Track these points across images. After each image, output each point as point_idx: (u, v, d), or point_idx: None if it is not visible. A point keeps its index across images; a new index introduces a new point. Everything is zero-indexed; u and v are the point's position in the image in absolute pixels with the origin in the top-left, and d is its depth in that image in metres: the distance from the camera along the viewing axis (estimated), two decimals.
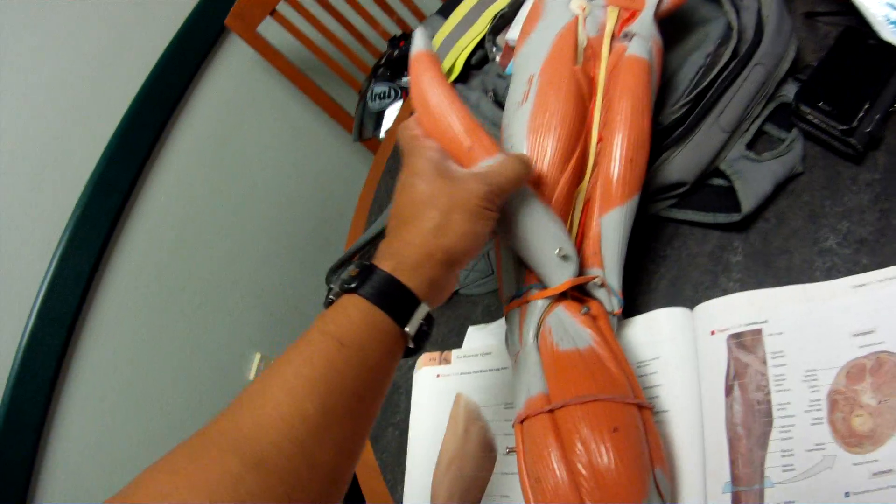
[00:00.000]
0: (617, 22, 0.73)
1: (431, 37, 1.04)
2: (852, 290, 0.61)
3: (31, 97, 1.33)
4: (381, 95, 1.53)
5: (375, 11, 1.74)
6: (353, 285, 0.51)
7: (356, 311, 0.50)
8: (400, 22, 1.80)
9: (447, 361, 0.83)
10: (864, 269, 0.62)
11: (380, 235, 1.05)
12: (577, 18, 0.72)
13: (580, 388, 0.56)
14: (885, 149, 0.69)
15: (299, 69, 1.67)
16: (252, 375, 1.68)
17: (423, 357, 0.85)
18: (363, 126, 1.56)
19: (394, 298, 0.52)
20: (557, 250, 0.61)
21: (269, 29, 1.61)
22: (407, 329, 0.52)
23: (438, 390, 0.81)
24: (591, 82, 0.69)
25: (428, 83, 0.63)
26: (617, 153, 0.65)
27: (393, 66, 1.56)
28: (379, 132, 1.52)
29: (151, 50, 1.52)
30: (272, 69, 1.66)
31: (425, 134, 0.61)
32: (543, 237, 0.61)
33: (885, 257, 0.62)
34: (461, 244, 0.55)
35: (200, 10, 1.60)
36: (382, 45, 1.75)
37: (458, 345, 0.85)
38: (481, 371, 0.79)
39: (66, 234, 1.34)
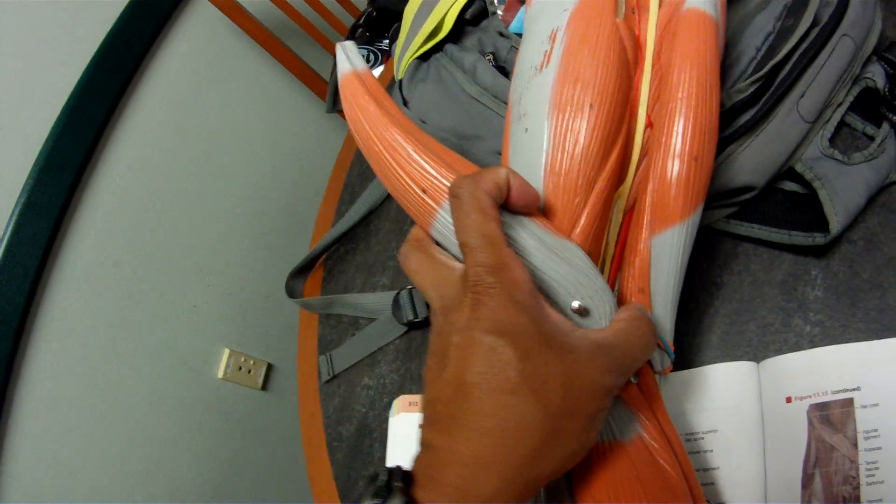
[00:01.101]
0: None
1: None
2: None
3: None
4: None
5: None
6: None
7: None
8: None
9: None
10: None
11: (349, 232, 0.89)
12: None
13: (621, 495, 0.39)
14: None
15: (270, 31, 1.55)
16: (221, 373, 1.58)
17: (402, 401, 0.70)
18: (338, 95, 1.39)
19: None
20: (575, 304, 0.42)
21: None
22: None
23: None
24: (637, 43, 0.50)
25: (361, 114, 0.50)
26: (678, 147, 0.46)
27: (372, 26, 1.40)
28: None
29: (107, 10, 1.41)
30: (240, 32, 1.55)
31: (500, 262, 0.38)
32: (552, 287, 0.42)
33: None
34: (562, 469, 0.37)
35: None
36: (362, 4, 1.62)
37: None
38: None
39: (11, 220, 1.24)
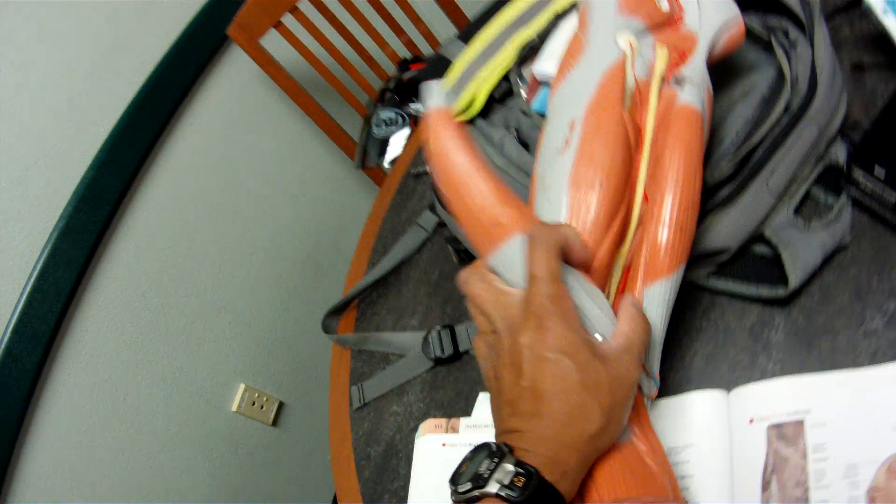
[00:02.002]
0: (667, 64, 0.67)
1: (451, 60, 1.00)
2: None
3: (21, 97, 1.30)
4: (388, 122, 1.50)
5: (385, 31, 1.72)
6: (519, 495, 0.47)
7: None
8: (409, 44, 1.78)
9: (454, 430, 0.78)
10: None
11: (381, 280, 1.02)
12: (625, 56, 0.66)
13: (618, 489, 0.51)
14: None
15: (301, 86, 1.64)
16: (235, 407, 1.66)
17: (428, 423, 0.81)
18: (367, 153, 1.53)
19: None
20: (598, 336, 0.55)
21: (272, 42, 1.58)
22: None
23: (443, 459, 0.77)
24: (638, 131, 0.63)
25: (444, 147, 0.59)
26: (667, 217, 0.59)
27: (401, 90, 1.52)
28: (383, 160, 1.48)
29: (149, 57, 1.50)
30: (273, 84, 1.63)
31: (559, 293, 0.52)
32: (582, 318, 0.55)
33: None
34: (612, 441, 0.53)
35: (202, 17, 1.58)
36: (390, 68, 1.72)
37: (466, 410, 0.81)
38: None
39: (47, 247, 1.31)
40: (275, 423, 1.76)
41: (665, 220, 0.60)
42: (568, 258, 0.55)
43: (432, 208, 1.05)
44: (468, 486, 0.48)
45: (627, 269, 0.62)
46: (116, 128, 1.42)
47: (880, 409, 0.57)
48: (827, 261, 0.68)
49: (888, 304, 0.64)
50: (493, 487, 0.47)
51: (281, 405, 1.77)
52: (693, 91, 0.64)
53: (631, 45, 0.66)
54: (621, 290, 0.62)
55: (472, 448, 0.51)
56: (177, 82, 1.54)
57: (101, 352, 1.41)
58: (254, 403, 1.70)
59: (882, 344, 0.62)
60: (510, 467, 0.47)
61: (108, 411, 1.43)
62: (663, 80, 0.66)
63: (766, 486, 0.58)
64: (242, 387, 1.69)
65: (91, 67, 1.41)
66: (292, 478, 1.81)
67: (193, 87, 1.59)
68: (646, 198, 0.62)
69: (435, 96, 0.61)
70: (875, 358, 0.61)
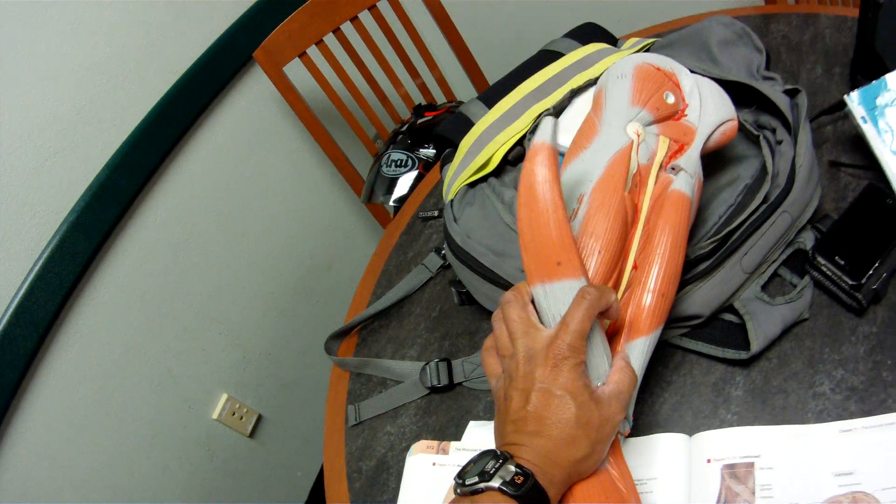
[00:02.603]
0: (667, 153, 0.77)
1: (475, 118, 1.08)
2: (839, 434, 0.70)
3: (49, 89, 1.33)
4: (398, 163, 1.55)
5: (402, 73, 1.80)
6: (516, 490, 0.57)
7: None
8: (423, 87, 1.86)
9: (445, 452, 0.87)
10: (852, 415, 0.71)
11: (384, 311, 1.11)
12: (632, 143, 0.75)
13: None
14: (885, 304, 0.78)
15: (317, 116, 1.71)
16: (216, 414, 1.69)
17: (420, 444, 0.89)
18: (374, 190, 1.58)
19: None
20: (599, 384, 0.65)
21: (294, 70, 1.65)
22: None
23: (433, 478, 0.85)
24: (635, 209, 0.74)
25: (543, 178, 0.67)
26: (651, 285, 0.70)
27: (414, 134, 1.58)
28: (388, 199, 1.54)
29: (176, 66, 1.56)
30: (290, 111, 1.69)
31: (579, 346, 0.63)
32: (590, 368, 0.65)
33: (871, 406, 0.71)
34: (592, 468, 0.63)
35: (231, 35, 1.64)
36: (402, 109, 1.79)
37: (456, 436, 0.89)
38: None
39: (55, 237, 1.33)
40: (252, 434, 1.80)
41: (650, 287, 0.71)
42: (605, 317, 0.66)
43: (438, 251, 1.14)
44: (475, 479, 0.58)
45: (613, 324, 0.72)
46: (135, 131, 1.47)
47: (822, 460, 0.68)
48: (786, 331, 0.80)
49: (836, 372, 0.75)
50: (496, 482, 0.57)
51: (260, 418, 1.82)
52: (686, 179, 0.75)
53: (638, 133, 0.76)
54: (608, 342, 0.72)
55: (476, 453, 0.62)
56: (199, 94, 1.60)
57: (94, 345, 1.45)
58: (234, 413, 1.74)
59: (828, 405, 0.72)
60: (512, 468, 0.58)
61: (94, 404, 1.46)
62: (661, 167, 0.77)
63: None
64: (225, 396, 1.72)
65: (118, 69, 1.45)
66: (264, 489, 1.85)
67: (214, 102, 1.64)
68: (635, 266, 0.73)
69: (548, 130, 0.69)
70: (821, 417, 0.72)
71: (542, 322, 0.66)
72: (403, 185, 1.54)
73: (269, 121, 1.80)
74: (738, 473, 0.70)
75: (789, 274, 0.84)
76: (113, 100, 1.45)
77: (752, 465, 0.70)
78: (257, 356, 1.82)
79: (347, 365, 1.09)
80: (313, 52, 1.66)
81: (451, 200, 1.02)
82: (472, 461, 0.61)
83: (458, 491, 0.60)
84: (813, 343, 0.78)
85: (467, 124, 1.08)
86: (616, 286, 0.72)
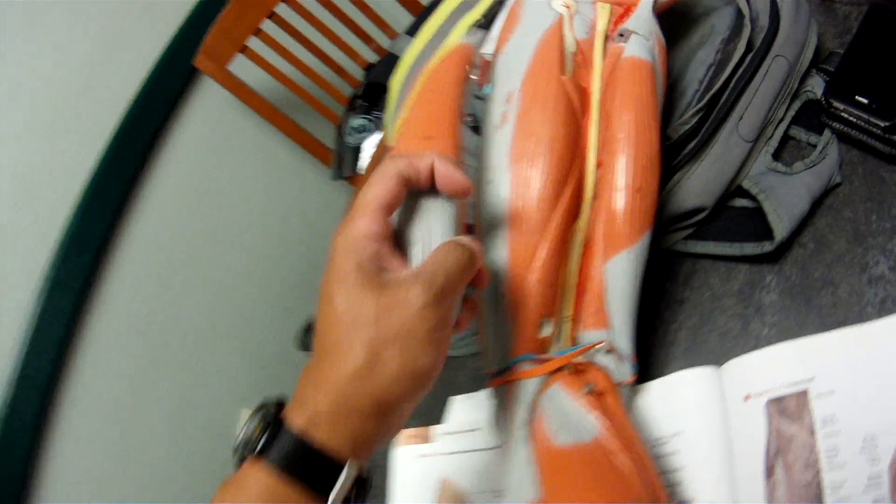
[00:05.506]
0: (609, 20, 0.60)
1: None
2: None
3: None
4: (359, 129, 1.42)
5: (352, 40, 1.65)
6: (257, 448, 0.40)
7: (258, 487, 0.39)
8: (379, 50, 1.70)
9: (429, 439, 0.71)
10: None
11: None
12: (561, 19, 0.59)
13: (582, 496, 0.42)
14: None
15: (275, 107, 1.59)
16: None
17: (403, 434, 0.73)
18: (342, 163, 1.45)
19: (307, 464, 0.40)
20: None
21: (240, 66, 1.53)
22: (331, 499, 0.40)
23: (422, 472, 0.69)
24: (584, 94, 0.56)
25: (447, 64, 0.57)
26: (621, 181, 0.51)
27: (370, 95, 1.44)
28: (358, 168, 1.41)
29: (119, 98, 1.46)
30: (247, 109, 1.58)
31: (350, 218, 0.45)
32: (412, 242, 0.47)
33: None
34: (396, 389, 0.42)
35: (168, 53, 1.53)
36: (360, 74, 1.66)
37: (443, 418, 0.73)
38: (470, 451, 0.66)
39: (40, 299, 1.28)
40: None
41: (619, 185, 0.52)
42: (440, 189, 0.46)
43: None
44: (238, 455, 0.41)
45: (588, 246, 0.54)
46: (94, 175, 1.38)
47: None
48: (816, 205, 0.60)
49: (892, 245, 0.55)
50: (239, 449, 0.41)
51: None
52: (639, 42, 0.57)
53: (567, 6, 0.60)
54: (583, 270, 0.54)
55: None
56: (149, 121, 1.50)
57: (100, 395, 1.37)
58: None
59: (891, 290, 0.53)
60: (255, 423, 0.41)
61: (112, 457, 1.39)
62: (607, 36, 0.59)
63: (770, 471, 0.49)
64: (247, 413, 1.60)
65: (58, 116, 1.36)
66: None
67: (167, 124, 1.54)
68: (599, 164, 0.54)
69: (470, 36, 0.61)
70: (884, 307, 0.52)
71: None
72: (370, 150, 1.40)
73: (230, 126, 1.68)
74: (788, 409, 0.50)
75: (804, 133, 0.64)
76: (62, 147, 1.37)
77: (805, 393, 0.49)
78: (274, 364, 1.71)
79: None
80: (254, 43, 1.53)
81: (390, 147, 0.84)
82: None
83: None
84: (854, 212, 0.58)
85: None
86: (579, 197, 0.53)
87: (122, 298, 1.42)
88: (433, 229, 0.46)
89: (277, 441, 0.39)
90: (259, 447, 0.39)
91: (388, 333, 0.41)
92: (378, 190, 0.43)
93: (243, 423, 0.40)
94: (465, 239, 0.45)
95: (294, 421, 0.40)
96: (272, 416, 0.40)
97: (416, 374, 0.42)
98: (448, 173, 0.45)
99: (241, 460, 0.40)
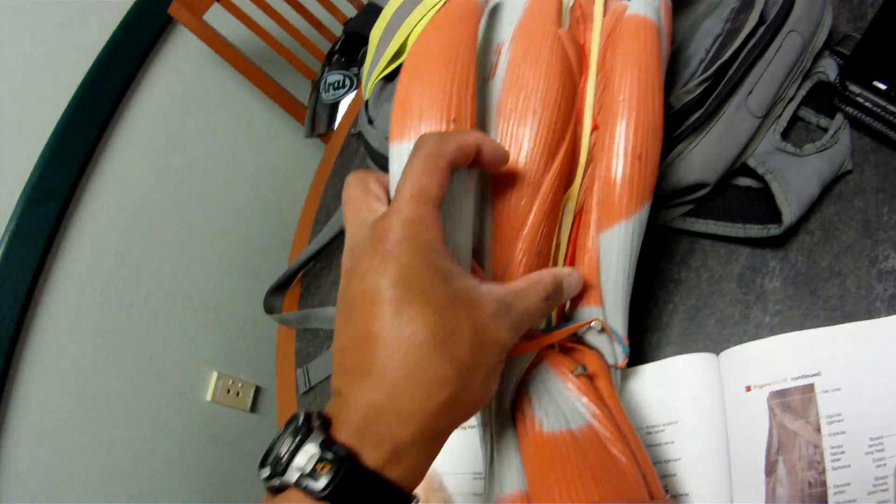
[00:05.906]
0: None
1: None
2: None
3: None
4: (335, 85, 1.36)
5: None
6: (323, 487, 0.33)
7: None
8: (360, 6, 1.65)
9: None
10: None
11: (323, 250, 0.88)
12: None
13: (575, 488, 0.38)
14: None
15: (250, 60, 1.52)
16: (210, 396, 1.57)
17: None
18: (316, 120, 1.39)
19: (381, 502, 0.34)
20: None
21: (216, 17, 1.48)
22: None
23: None
24: (582, 52, 0.50)
25: (455, 19, 0.47)
26: (620, 147, 0.46)
27: (347, 50, 1.38)
28: (333, 126, 1.35)
29: (91, 44, 1.42)
30: (222, 61, 1.53)
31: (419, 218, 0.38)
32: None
33: None
34: (470, 415, 0.37)
35: (143, 0, 1.49)
36: (338, 30, 1.59)
37: None
38: None
39: (2, 250, 1.25)
40: (253, 408, 1.67)
41: (619, 151, 0.46)
42: (484, 166, 0.41)
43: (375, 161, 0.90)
44: (268, 471, 0.34)
45: (579, 215, 0.49)
46: (60, 123, 1.34)
47: None
48: (826, 191, 0.55)
49: None
50: (293, 476, 0.33)
51: (258, 389, 1.68)
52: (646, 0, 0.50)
53: None
54: (573, 240, 0.49)
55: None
56: (121, 69, 1.48)
57: (64, 355, 1.35)
58: (229, 391, 1.61)
59: None
60: (313, 449, 0.33)
61: (78, 414, 1.37)
62: None
63: (770, 468, 0.46)
64: (215, 374, 1.61)
65: (29, 62, 1.32)
66: None
67: (139, 73, 1.52)
68: (595, 126, 0.49)
69: None
70: (893, 305, 0.49)
71: None
72: (346, 107, 1.35)
73: (204, 77, 1.64)
74: (792, 403, 0.46)
75: (814, 115, 0.59)
76: (29, 96, 1.33)
77: (810, 387, 0.46)
78: (241, 325, 1.69)
79: (289, 321, 0.89)
80: None
81: (367, 101, 0.78)
82: (280, 431, 0.36)
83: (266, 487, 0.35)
84: (865, 202, 0.54)
85: (378, 13, 0.83)
86: (572, 161, 0.48)
87: (85, 253, 1.39)
88: (468, 203, 0.42)
89: (350, 481, 0.33)
90: (327, 486, 0.33)
91: (481, 355, 0.36)
92: (434, 187, 0.37)
93: (287, 448, 0.33)
94: (563, 273, 0.42)
95: (368, 456, 0.34)
96: (343, 459, 0.33)
97: (486, 400, 0.38)
98: (498, 153, 0.41)
99: (282, 487, 0.34)
